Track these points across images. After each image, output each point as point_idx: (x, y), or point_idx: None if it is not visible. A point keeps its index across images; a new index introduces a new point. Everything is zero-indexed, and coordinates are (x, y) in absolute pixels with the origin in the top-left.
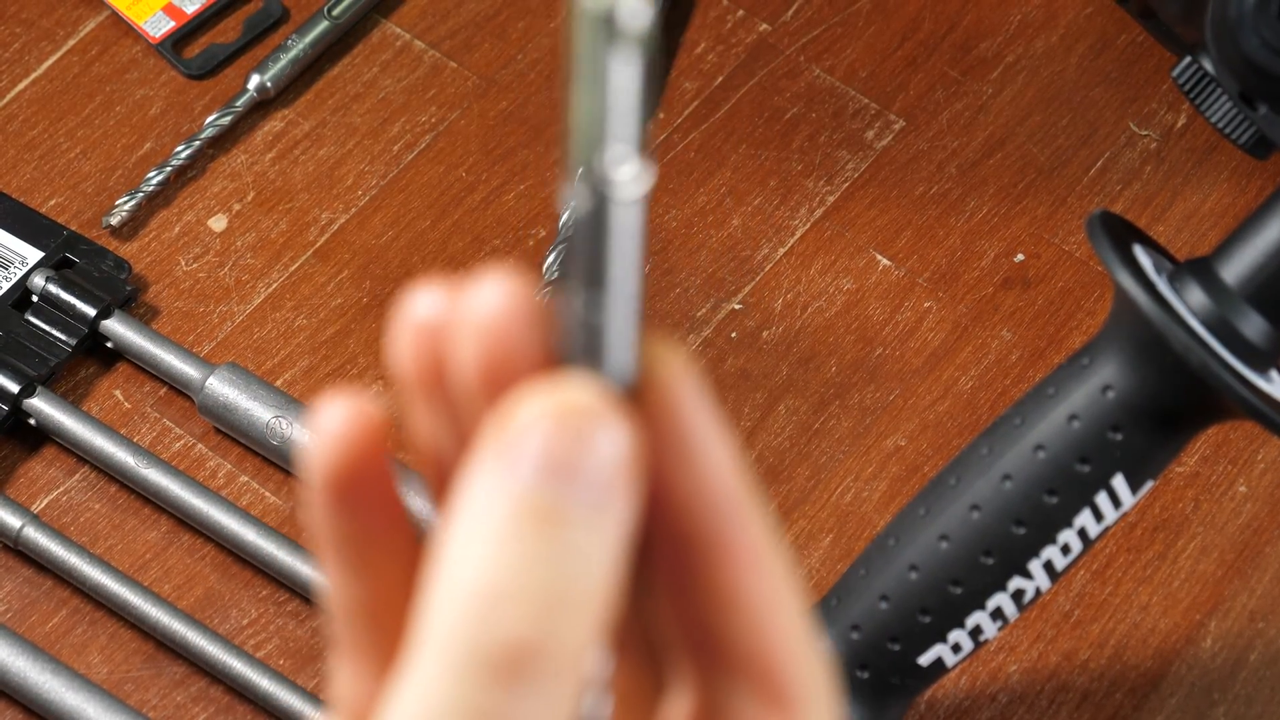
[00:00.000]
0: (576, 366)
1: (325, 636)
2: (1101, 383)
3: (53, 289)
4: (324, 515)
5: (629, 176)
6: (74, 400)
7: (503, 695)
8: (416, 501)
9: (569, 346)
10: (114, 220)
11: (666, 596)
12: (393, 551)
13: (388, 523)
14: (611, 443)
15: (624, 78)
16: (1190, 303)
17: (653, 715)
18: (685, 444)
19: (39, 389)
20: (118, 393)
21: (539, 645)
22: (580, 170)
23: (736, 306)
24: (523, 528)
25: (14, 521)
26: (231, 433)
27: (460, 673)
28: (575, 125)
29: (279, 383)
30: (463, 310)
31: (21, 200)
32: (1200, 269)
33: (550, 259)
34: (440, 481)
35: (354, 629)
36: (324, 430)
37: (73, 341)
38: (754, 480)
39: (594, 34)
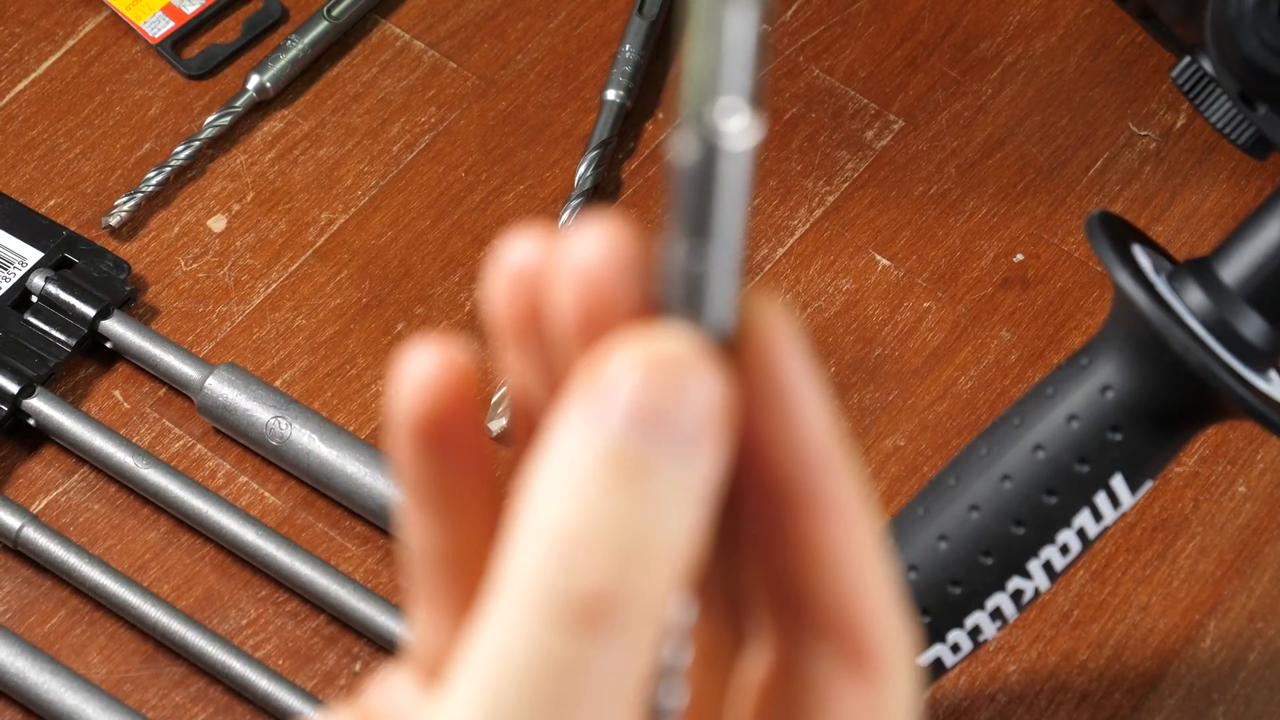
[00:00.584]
0: (674, 316)
1: (403, 585)
2: (1100, 383)
3: (52, 289)
4: (408, 461)
5: (740, 127)
6: (73, 400)
7: (581, 643)
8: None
9: (668, 296)
10: (113, 220)
11: (753, 551)
12: (475, 501)
13: (472, 471)
14: (703, 393)
15: (740, 28)
16: (1189, 303)
17: (732, 670)
18: (781, 396)
19: (38, 389)
20: (117, 393)
21: (619, 594)
22: (691, 119)
23: None
24: (609, 476)
25: (13, 522)
26: (231, 433)
27: (539, 618)
28: (688, 74)
29: (278, 383)
30: (561, 257)
31: (21, 200)
32: (1199, 269)
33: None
34: (529, 430)
35: (433, 577)
36: (412, 374)
37: (72, 342)
38: (848, 438)
39: None
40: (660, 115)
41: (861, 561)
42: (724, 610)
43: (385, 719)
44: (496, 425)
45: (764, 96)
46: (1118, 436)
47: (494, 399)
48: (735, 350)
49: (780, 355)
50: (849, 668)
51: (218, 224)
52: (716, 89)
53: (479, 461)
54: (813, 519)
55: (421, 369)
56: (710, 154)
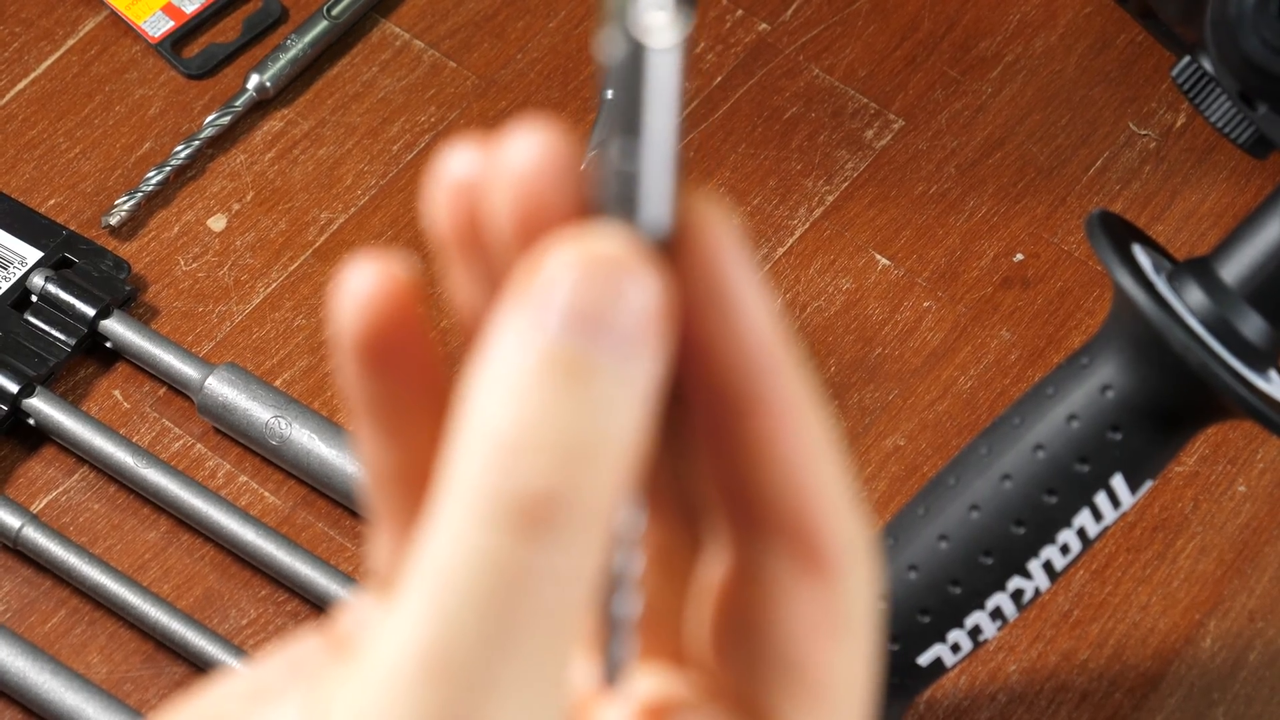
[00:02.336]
0: (610, 217)
1: (364, 505)
2: (1100, 382)
3: (52, 289)
4: (355, 379)
5: (663, 23)
6: (73, 400)
7: (528, 545)
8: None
9: (604, 197)
10: (113, 220)
11: (705, 454)
12: (425, 416)
13: (419, 386)
14: (641, 292)
15: None
16: (1189, 302)
17: (688, 575)
18: (721, 295)
19: (38, 389)
20: (117, 393)
21: (564, 495)
22: (616, 16)
23: None
24: (548, 377)
25: (13, 521)
26: (231, 432)
27: (485, 522)
28: None
29: (278, 383)
30: (497, 164)
31: (21, 200)
32: (1199, 269)
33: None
34: (474, 344)
35: (389, 496)
36: (352, 290)
37: (72, 341)
38: (793, 337)
39: None
40: None
41: (812, 460)
42: (679, 516)
43: (350, 638)
44: None
45: None
46: (1118, 436)
47: None
48: (674, 250)
49: (719, 254)
50: (804, 567)
51: (218, 223)
52: None
53: (427, 376)
54: (760, 419)
55: (361, 285)
56: (635, 51)
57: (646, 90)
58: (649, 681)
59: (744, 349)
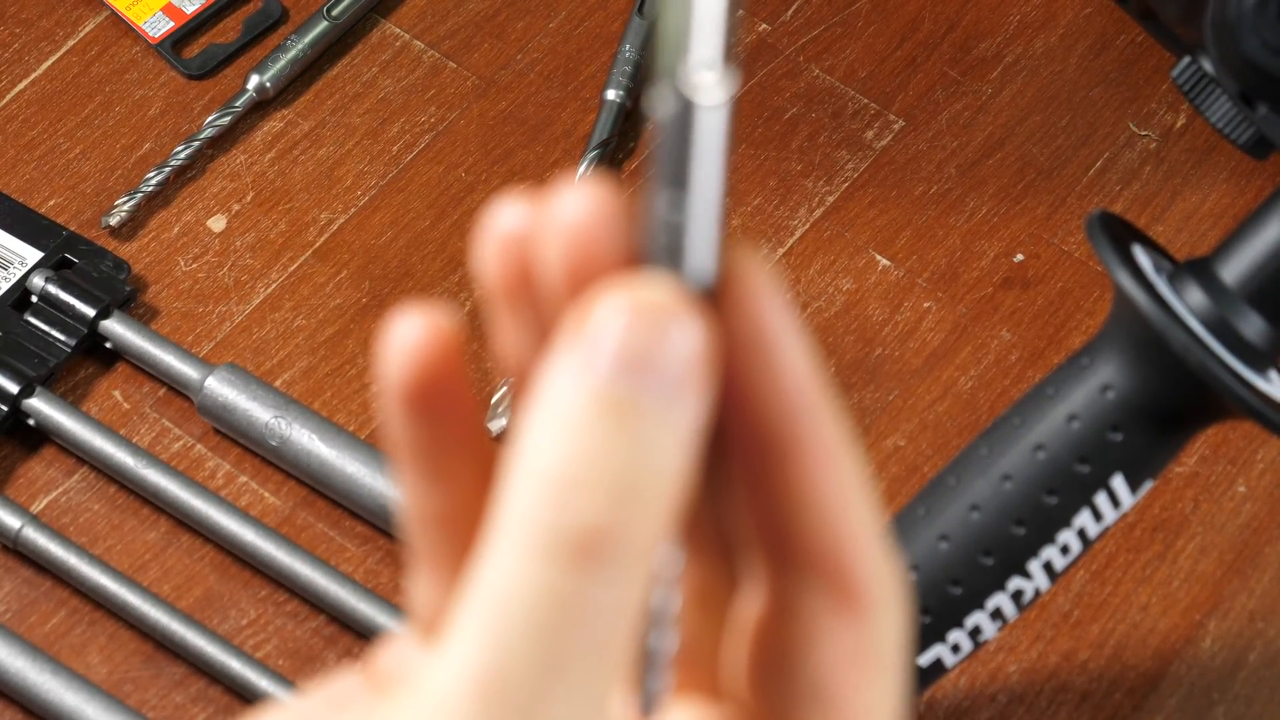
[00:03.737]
0: (657, 266)
1: (402, 550)
2: (1101, 383)
3: (52, 289)
4: (400, 426)
5: (713, 83)
6: (73, 401)
7: (578, 577)
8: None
9: (651, 247)
10: (113, 220)
11: (744, 495)
12: (467, 463)
13: (463, 434)
14: (686, 338)
15: None
16: (1189, 303)
17: (725, 611)
18: (763, 343)
19: (38, 389)
20: (117, 393)
21: (614, 530)
22: (666, 76)
23: None
24: (598, 418)
25: (13, 522)
26: (230, 433)
27: (538, 556)
28: (662, 31)
29: (278, 383)
30: (547, 217)
31: (21, 200)
32: (1199, 269)
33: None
34: (524, 390)
35: (430, 540)
36: (399, 341)
37: (72, 342)
38: (830, 383)
39: None
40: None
41: (847, 502)
42: (717, 555)
43: (391, 675)
44: (496, 426)
45: (737, 52)
46: (1118, 436)
47: (494, 399)
48: (717, 298)
49: (760, 302)
50: (839, 606)
51: (217, 224)
52: (689, 45)
53: (469, 424)
54: (798, 462)
55: (408, 335)
56: (685, 109)
57: (695, 145)
58: (684, 714)
59: (784, 394)
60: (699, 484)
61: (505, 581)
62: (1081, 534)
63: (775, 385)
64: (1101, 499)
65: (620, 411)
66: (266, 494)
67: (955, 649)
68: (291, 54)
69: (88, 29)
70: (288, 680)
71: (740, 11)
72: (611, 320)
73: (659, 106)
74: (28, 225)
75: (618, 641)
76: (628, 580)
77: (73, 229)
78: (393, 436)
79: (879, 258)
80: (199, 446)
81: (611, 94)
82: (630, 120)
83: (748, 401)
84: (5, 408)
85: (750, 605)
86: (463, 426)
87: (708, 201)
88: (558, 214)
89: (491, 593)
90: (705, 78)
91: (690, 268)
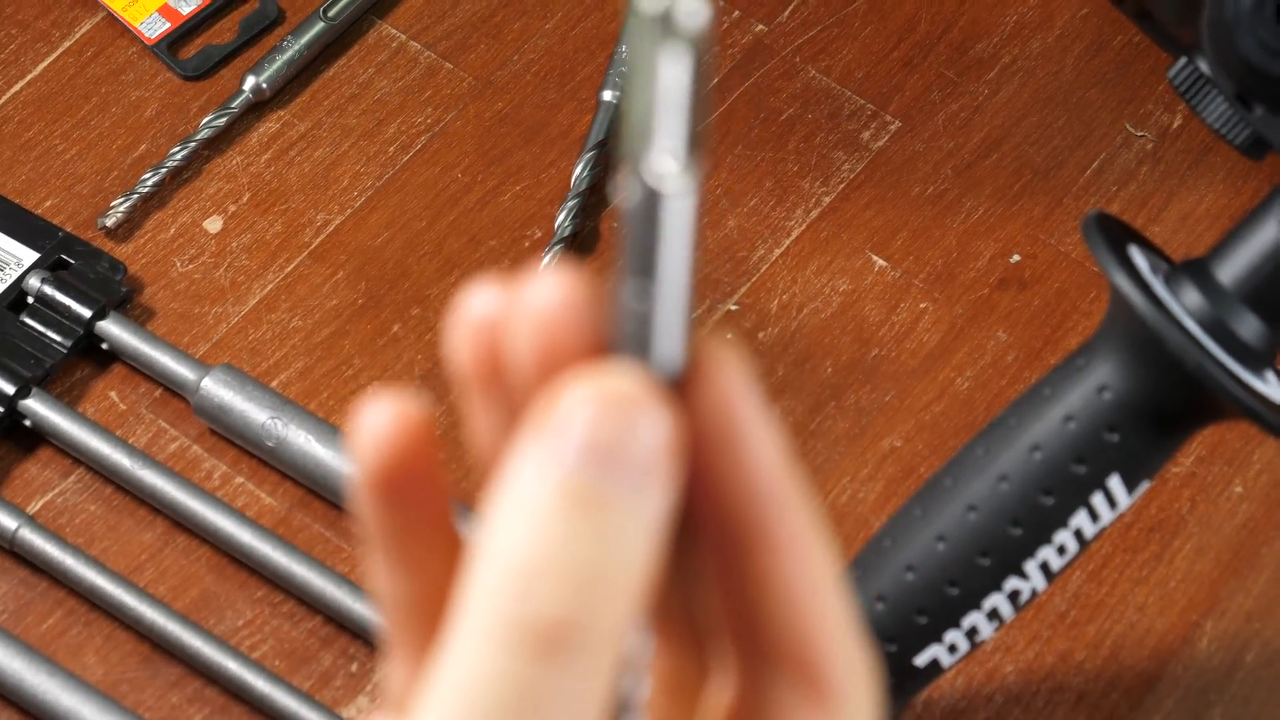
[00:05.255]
0: (625, 355)
1: (379, 634)
2: (1097, 383)
3: (48, 290)
4: (371, 512)
5: (677, 170)
6: (69, 402)
7: (541, 668)
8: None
9: (619, 335)
10: (109, 222)
11: (712, 585)
12: (439, 549)
13: (433, 521)
14: (653, 429)
15: (675, 75)
16: (1186, 304)
17: (695, 702)
18: (732, 433)
19: (34, 390)
20: (113, 394)
21: (577, 622)
22: (630, 164)
23: (732, 308)
24: (564, 508)
25: (9, 523)
26: (227, 434)
27: (501, 645)
28: (628, 118)
29: (274, 384)
30: (518, 304)
31: (17, 202)
32: (1196, 270)
33: (547, 258)
34: (493, 476)
35: (403, 624)
36: (369, 429)
37: (68, 343)
38: (802, 473)
39: (648, 31)
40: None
41: (817, 595)
42: (688, 642)
43: None
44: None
45: (705, 141)
46: (1114, 437)
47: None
48: (686, 388)
49: (729, 394)
50: (808, 698)
51: (214, 225)
52: (653, 132)
53: (440, 511)
54: (767, 554)
55: (378, 422)
56: (650, 199)
57: (661, 234)
58: None
59: (752, 486)
60: (667, 572)
61: (468, 670)
62: (1078, 534)
63: (744, 475)
64: (1098, 499)
65: (585, 502)
66: (263, 495)
67: (952, 649)
68: (288, 55)
69: (84, 30)
70: (284, 681)
71: (705, 100)
72: (578, 410)
73: (624, 194)
74: (24, 226)
75: None
76: (592, 671)
77: (69, 230)
78: (364, 522)
79: (875, 258)
80: (195, 447)
81: (609, 94)
82: None
83: (716, 491)
84: (1, 409)
85: (720, 694)
86: (433, 514)
87: (675, 289)
88: (527, 301)
89: (454, 681)
90: (670, 166)
91: (658, 356)
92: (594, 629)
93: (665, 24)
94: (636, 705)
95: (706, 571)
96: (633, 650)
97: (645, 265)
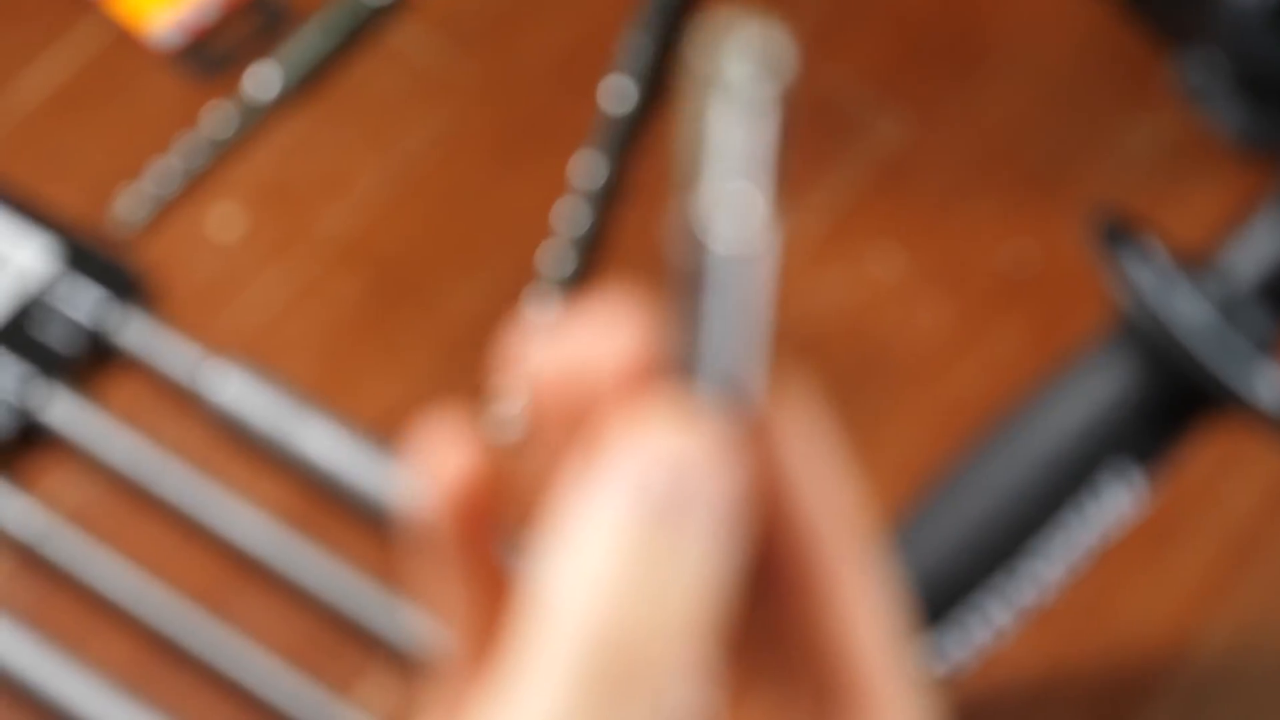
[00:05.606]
0: (691, 394)
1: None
2: (1103, 382)
3: (62, 290)
4: (441, 550)
5: (735, 234)
6: (81, 400)
7: (614, 707)
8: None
9: (693, 381)
10: (120, 221)
11: (773, 624)
12: (488, 590)
13: (481, 553)
14: (722, 477)
15: (736, 129)
16: (1193, 300)
17: None
18: (801, 479)
19: (50, 390)
20: (125, 392)
21: (642, 671)
22: (690, 221)
23: None
24: (632, 559)
25: (23, 521)
26: (238, 432)
27: (573, 685)
28: (683, 175)
29: (285, 382)
30: (581, 349)
31: (29, 201)
32: (1201, 268)
33: (552, 261)
34: (534, 518)
35: (446, 657)
36: (445, 455)
37: (80, 342)
38: (873, 518)
39: (726, 91)
40: (666, 117)
41: (875, 637)
42: (746, 676)
43: None
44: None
45: (778, 200)
46: (1119, 435)
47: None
48: (753, 432)
49: (799, 439)
50: None
51: (225, 225)
52: (712, 192)
53: (490, 549)
54: (828, 598)
55: (450, 461)
56: (730, 260)
57: (723, 291)
58: None
59: (818, 535)
60: (730, 614)
61: (535, 707)
62: (1083, 534)
63: (811, 525)
64: (1102, 499)
65: (654, 550)
66: (274, 492)
67: (953, 650)
68: (296, 55)
69: (93, 30)
70: (293, 679)
71: (782, 158)
72: (645, 458)
73: (688, 248)
74: (38, 227)
75: None
76: (665, 710)
77: (81, 230)
78: (428, 558)
79: (881, 258)
80: (207, 445)
81: (616, 95)
82: (635, 121)
83: (785, 536)
84: (14, 407)
85: None
86: (483, 546)
87: (751, 326)
88: (588, 348)
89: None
90: (732, 226)
91: (726, 399)
92: (658, 679)
93: (729, 89)
94: None
95: (766, 612)
96: (699, 692)
97: (722, 303)
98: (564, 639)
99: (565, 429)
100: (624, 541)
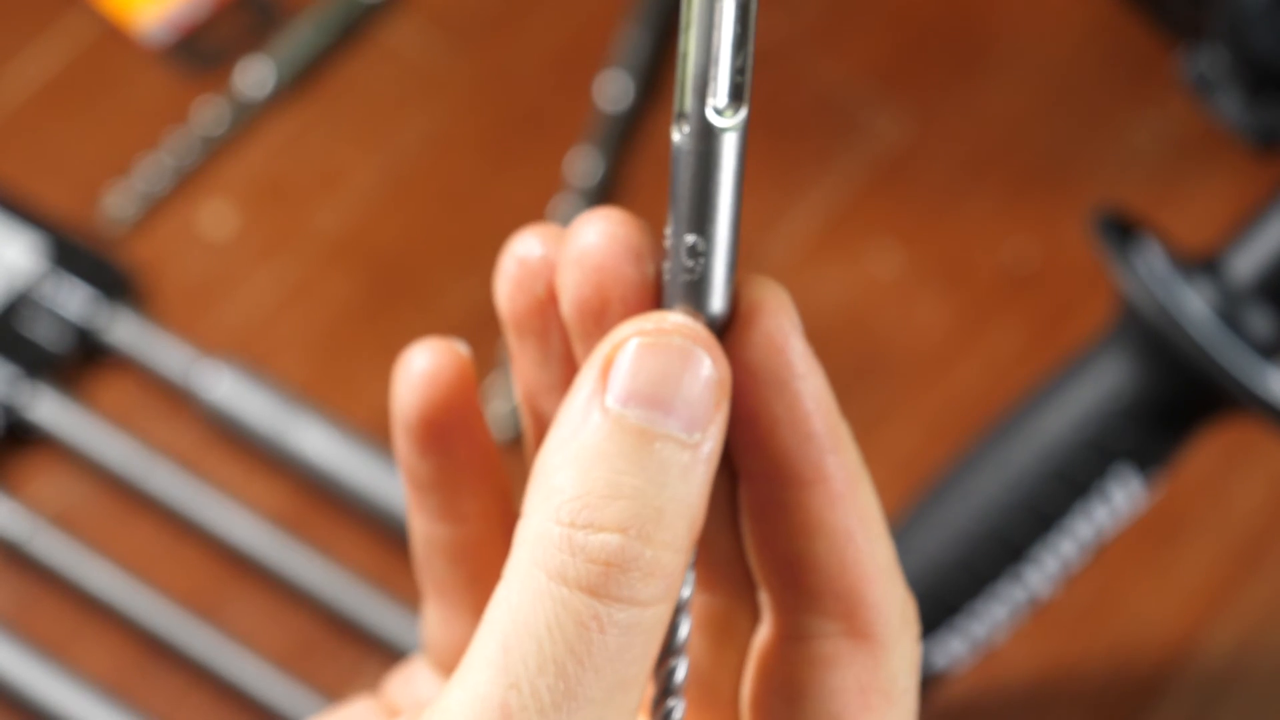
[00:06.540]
0: (675, 299)
1: (406, 554)
2: (1106, 379)
3: (52, 288)
4: (412, 458)
5: (730, 109)
6: (73, 399)
7: (599, 601)
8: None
9: (669, 280)
10: (112, 219)
11: (757, 526)
12: (480, 496)
13: (475, 467)
14: (705, 372)
15: (729, 21)
16: (1194, 299)
17: (735, 644)
18: (780, 373)
19: (38, 389)
20: (116, 391)
21: (633, 553)
22: (682, 104)
23: None
24: (620, 449)
25: (12, 522)
26: (231, 431)
27: (559, 580)
28: (682, 61)
29: (278, 381)
30: (566, 249)
31: (20, 199)
32: (1205, 265)
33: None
34: (539, 422)
35: (441, 572)
36: (413, 372)
37: (71, 341)
38: (843, 416)
39: None
40: (661, 115)
41: (860, 534)
42: (736, 586)
43: (404, 708)
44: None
45: (752, 83)
46: (1123, 434)
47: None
48: (735, 330)
49: (780, 334)
50: (851, 636)
51: (217, 222)
52: (708, 76)
53: (482, 458)
54: (812, 493)
55: (422, 366)
56: (705, 135)
57: (714, 171)
58: None
59: (800, 425)
60: (715, 514)
61: (524, 607)
62: (1084, 534)
63: (792, 416)
64: (1105, 498)
65: (641, 443)
66: (266, 493)
67: (955, 650)
68: (292, 53)
69: (87, 29)
70: (288, 679)
71: (752, 44)
72: (633, 352)
73: (676, 137)
74: (27, 224)
75: (637, 668)
76: (648, 603)
77: (72, 228)
78: (404, 468)
79: (882, 255)
80: (199, 445)
81: (611, 94)
82: (630, 120)
83: (763, 433)
84: (5, 407)
85: (759, 635)
86: (475, 461)
87: (725, 231)
88: (576, 244)
89: (510, 618)
90: (724, 103)
91: (707, 301)
92: (651, 564)
93: None
94: (680, 644)
95: (750, 512)
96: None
97: (697, 205)
98: (542, 542)
99: (561, 335)
100: (608, 438)
